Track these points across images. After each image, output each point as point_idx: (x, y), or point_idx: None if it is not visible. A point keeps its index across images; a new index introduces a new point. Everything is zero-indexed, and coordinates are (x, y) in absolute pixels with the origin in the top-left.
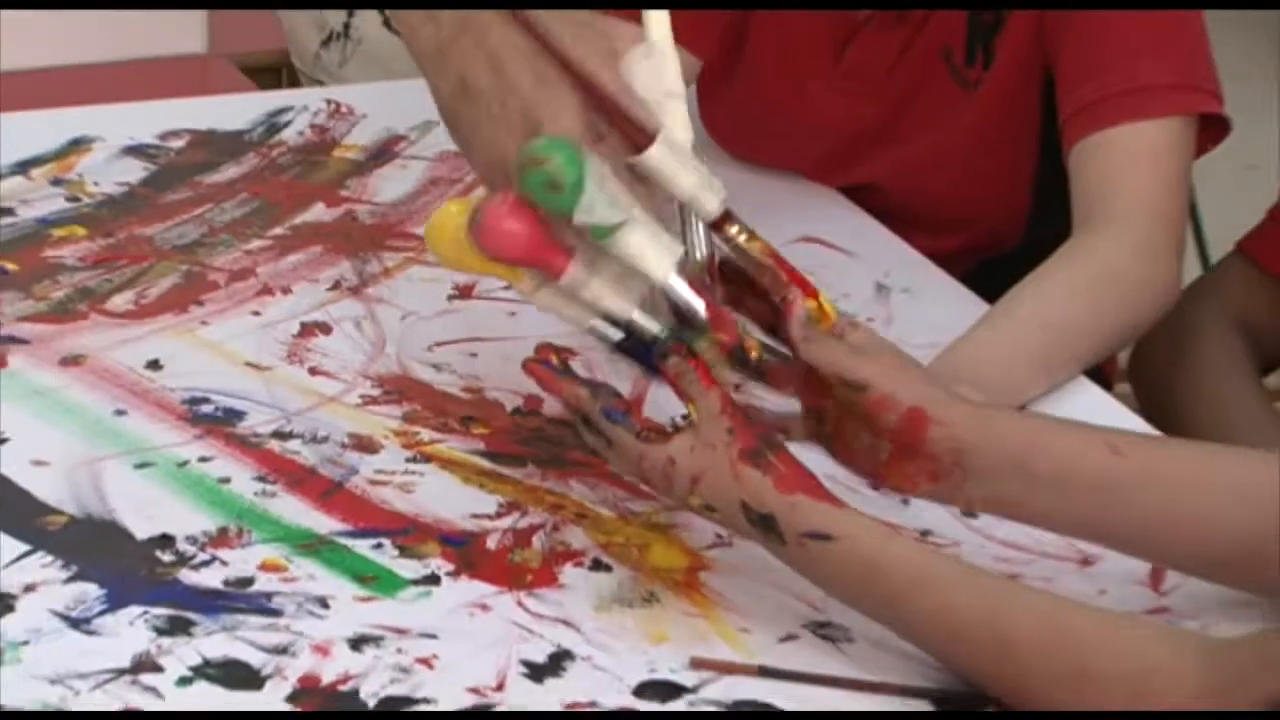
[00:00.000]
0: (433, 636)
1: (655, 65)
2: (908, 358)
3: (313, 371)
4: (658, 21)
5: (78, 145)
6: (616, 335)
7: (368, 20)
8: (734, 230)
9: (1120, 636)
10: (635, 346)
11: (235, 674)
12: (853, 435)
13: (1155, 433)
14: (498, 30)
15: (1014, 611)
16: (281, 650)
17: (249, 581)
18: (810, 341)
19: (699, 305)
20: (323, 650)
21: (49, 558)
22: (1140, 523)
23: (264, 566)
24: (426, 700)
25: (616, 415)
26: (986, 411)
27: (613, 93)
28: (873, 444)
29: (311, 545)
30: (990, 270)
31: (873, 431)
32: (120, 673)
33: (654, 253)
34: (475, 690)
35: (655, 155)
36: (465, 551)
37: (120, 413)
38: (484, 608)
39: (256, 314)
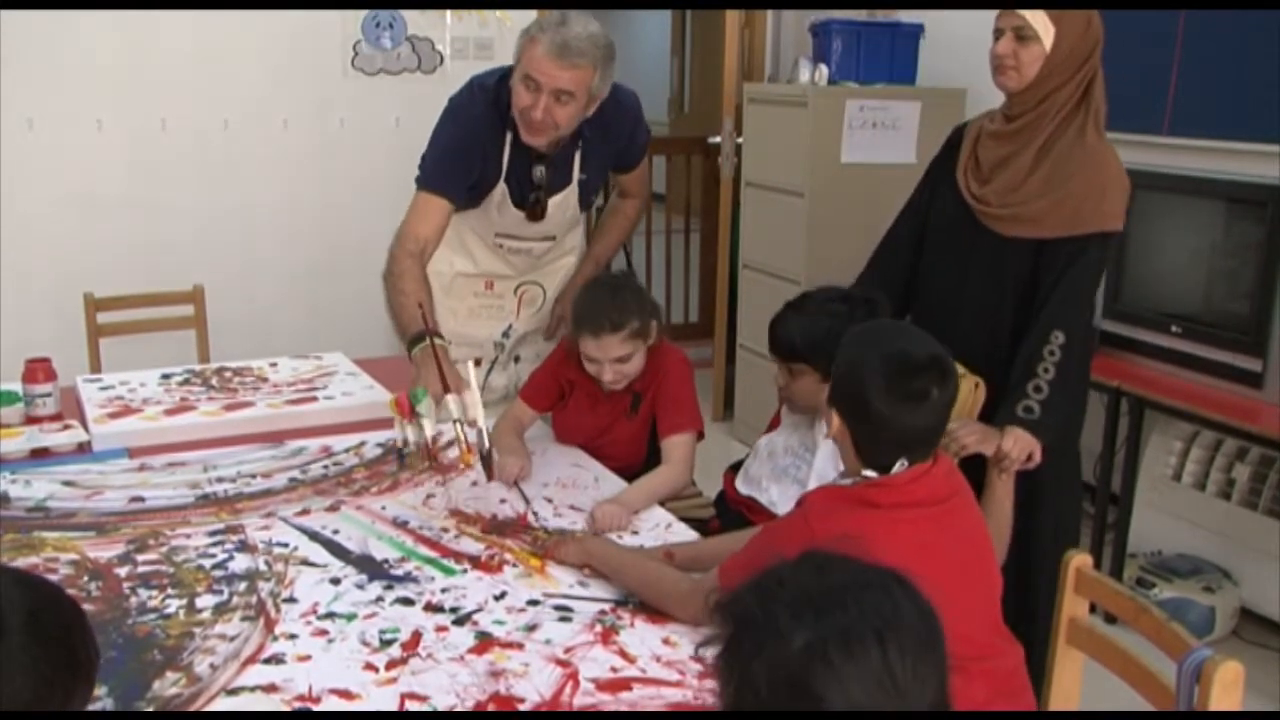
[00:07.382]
0: (464, 587)
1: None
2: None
3: (429, 508)
4: (472, 376)
5: (361, 444)
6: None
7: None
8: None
9: (668, 575)
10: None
11: (406, 600)
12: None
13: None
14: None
15: (648, 572)
16: (420, 593)
17: (409, 572)
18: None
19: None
20: (431, 593)
21: (350, 567)
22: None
23: (415, 568)
24: (461, 609)
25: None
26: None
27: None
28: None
29: (430, 560)
30: None
31: None
32: (372, 602)
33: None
34: (480, 603)
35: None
36: (475, 560)
37: (374, 521)
38: (480, 578)
39: (418, 488)
